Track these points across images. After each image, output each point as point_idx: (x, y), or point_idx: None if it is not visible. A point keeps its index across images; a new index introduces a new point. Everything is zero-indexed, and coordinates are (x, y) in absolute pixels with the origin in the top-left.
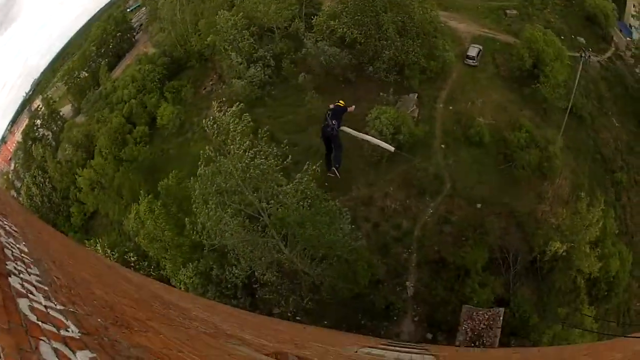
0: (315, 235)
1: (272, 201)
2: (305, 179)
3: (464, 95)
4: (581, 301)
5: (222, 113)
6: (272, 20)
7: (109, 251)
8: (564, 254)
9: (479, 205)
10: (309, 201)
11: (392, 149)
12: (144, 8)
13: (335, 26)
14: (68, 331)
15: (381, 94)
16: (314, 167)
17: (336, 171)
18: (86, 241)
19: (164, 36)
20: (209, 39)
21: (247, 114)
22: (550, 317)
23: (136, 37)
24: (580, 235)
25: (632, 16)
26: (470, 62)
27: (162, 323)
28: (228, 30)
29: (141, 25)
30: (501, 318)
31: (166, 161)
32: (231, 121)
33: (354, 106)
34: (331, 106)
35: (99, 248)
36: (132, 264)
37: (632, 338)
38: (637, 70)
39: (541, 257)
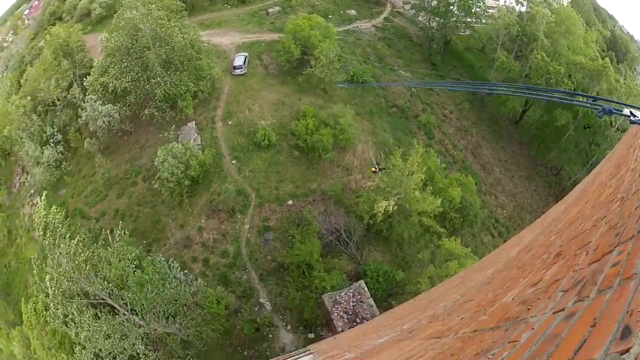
0: (155, 294)
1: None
2: (119, 243)
3: (239, 106)
4: (438, 236)
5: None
6: (55, 94)
7: None
8: (395, 207)
9: (290, 202)
10: (134, 264)
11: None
12: None
13: (106, 81)
14: None
15: (160, 135)
16: (124, 231)
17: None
18: None
19: None
20: (5, 130)
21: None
22: (416, 264)
23: None
24: (404, 185)
25: None
26: (238, 71)
27: None
28: (19, 117)
29: None
30: (365, 289)
31: (12, 276)
32: (42, 218)
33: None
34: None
35: None
36: None
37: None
38: (420, 19)
39: (374, 220)
